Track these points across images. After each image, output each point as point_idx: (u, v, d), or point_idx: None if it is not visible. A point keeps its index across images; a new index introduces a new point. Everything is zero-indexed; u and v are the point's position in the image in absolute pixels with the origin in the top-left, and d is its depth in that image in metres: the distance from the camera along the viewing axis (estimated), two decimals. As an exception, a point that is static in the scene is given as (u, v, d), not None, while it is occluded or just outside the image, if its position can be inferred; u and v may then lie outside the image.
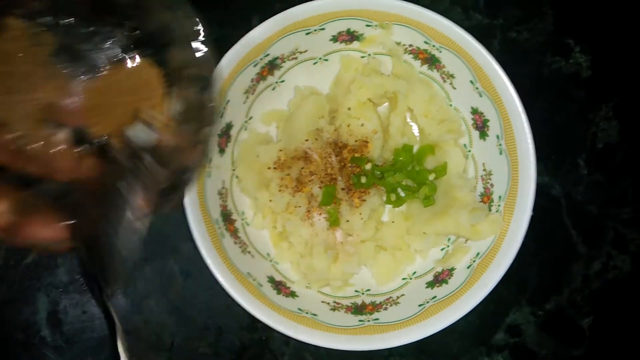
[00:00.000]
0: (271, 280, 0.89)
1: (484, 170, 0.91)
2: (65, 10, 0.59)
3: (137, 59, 0.62)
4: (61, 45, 0.59)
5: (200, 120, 0.62)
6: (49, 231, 0.58)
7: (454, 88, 0.92)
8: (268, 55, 0.88)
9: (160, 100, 0.62)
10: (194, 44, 0.61)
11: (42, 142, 0.59)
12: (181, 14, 0.60)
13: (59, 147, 0.60)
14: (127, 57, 0.62)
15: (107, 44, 0.61)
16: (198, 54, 0.61)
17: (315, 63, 0.95)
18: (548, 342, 1.00)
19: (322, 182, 0.90)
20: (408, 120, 0.96)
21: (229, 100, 0.87)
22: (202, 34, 0.60)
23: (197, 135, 0.62)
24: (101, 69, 0.61)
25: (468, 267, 0.87)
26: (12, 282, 0.98)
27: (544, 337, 1.00)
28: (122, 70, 0.62)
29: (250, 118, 0.94)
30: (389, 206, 0.95)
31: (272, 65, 0.91)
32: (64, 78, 0.60)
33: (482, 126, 0.90)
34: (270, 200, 0.90)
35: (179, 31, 0.61)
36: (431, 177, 0.92)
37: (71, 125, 0.61)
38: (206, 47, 0.61)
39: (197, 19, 0.60)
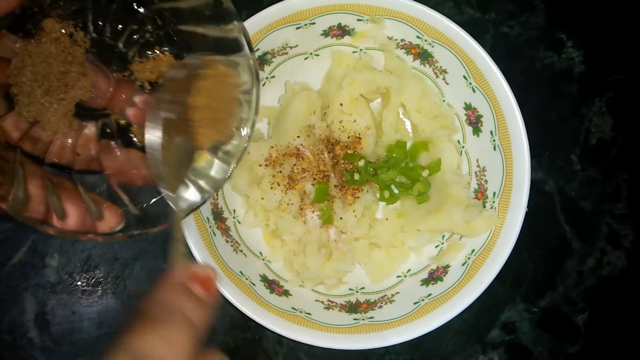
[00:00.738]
0: (264, 279, 0.88)
1: (478, 166, 0.91)
2: (97, 9, 0.62)
3: (162, 54, 0.65)
4: (93, 42, 0.62)
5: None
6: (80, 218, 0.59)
7: (447, 83, 0.91)
8: (258, 50, 0.87)
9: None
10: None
11: (71, 138, 0.62)
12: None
13: (86, 140, 0.63)
14: (154, 53, 0.64)
15: (135, 40, 0.64)
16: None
17: (306, 58, 0.94)
18: (543, 339, 0.99)
19: (314, 179, 0.89)
20: (401, 116, 0.95)
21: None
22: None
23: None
24: (130, 64, 0.64)
25: (463, 264, 0.86)
26: (-2, 282, 0.96)
27: (539, 333, 0.99)
28: (147, 64, 0.65)
29: (241, 114, 0.92)
30: (382, 203, 0.94)
31: (262, 61, 0.90)
32: (96, 75, 0.62)
33: (475, 122, 0.90)
34: (262, 198, 0.89)
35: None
36: (425, 173, 0.91)
37: (102, 114, 0.64)
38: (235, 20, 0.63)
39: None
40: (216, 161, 0.66)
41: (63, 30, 0.60)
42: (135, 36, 0.64)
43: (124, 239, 0.62)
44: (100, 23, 0.62)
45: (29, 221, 0.56)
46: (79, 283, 0.97)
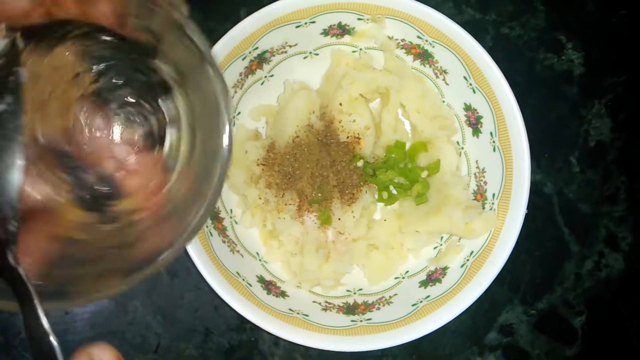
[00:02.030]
0: (261, 279, 0.87)
1: (477, 167, 0.90)
2: (118, 66, 0.60)
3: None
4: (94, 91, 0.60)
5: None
6: None
7: (447, 84, 0.91)
8: (257, 48, 0.86)
9: None
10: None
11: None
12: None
13: None
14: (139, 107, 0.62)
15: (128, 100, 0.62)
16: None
17: (305, 57, 0.93)
18: (541, 342, 0.99)
19: (312, 179, 0.88)
20: (400, 116, 0.95)
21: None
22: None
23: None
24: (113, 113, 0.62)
25: (462, 266, 0.85)
26: (-10, 282, 0.95)
27: (537, 336, 0.99)
28: None
29: (239, 113, 0.91)
30: (380, 204, 0.93)
31: (261, 59, 0.89)
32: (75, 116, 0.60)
33: (475, 123, 0.89)
34: (260, 198, 0.88)
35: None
36: (424, 174, 0.90)
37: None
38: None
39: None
40: None
41: (71, 62, 0.57)
42: (129, 97, 0.62)
43: None
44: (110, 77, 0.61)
45: None
46: (73, 283, 0.96)
